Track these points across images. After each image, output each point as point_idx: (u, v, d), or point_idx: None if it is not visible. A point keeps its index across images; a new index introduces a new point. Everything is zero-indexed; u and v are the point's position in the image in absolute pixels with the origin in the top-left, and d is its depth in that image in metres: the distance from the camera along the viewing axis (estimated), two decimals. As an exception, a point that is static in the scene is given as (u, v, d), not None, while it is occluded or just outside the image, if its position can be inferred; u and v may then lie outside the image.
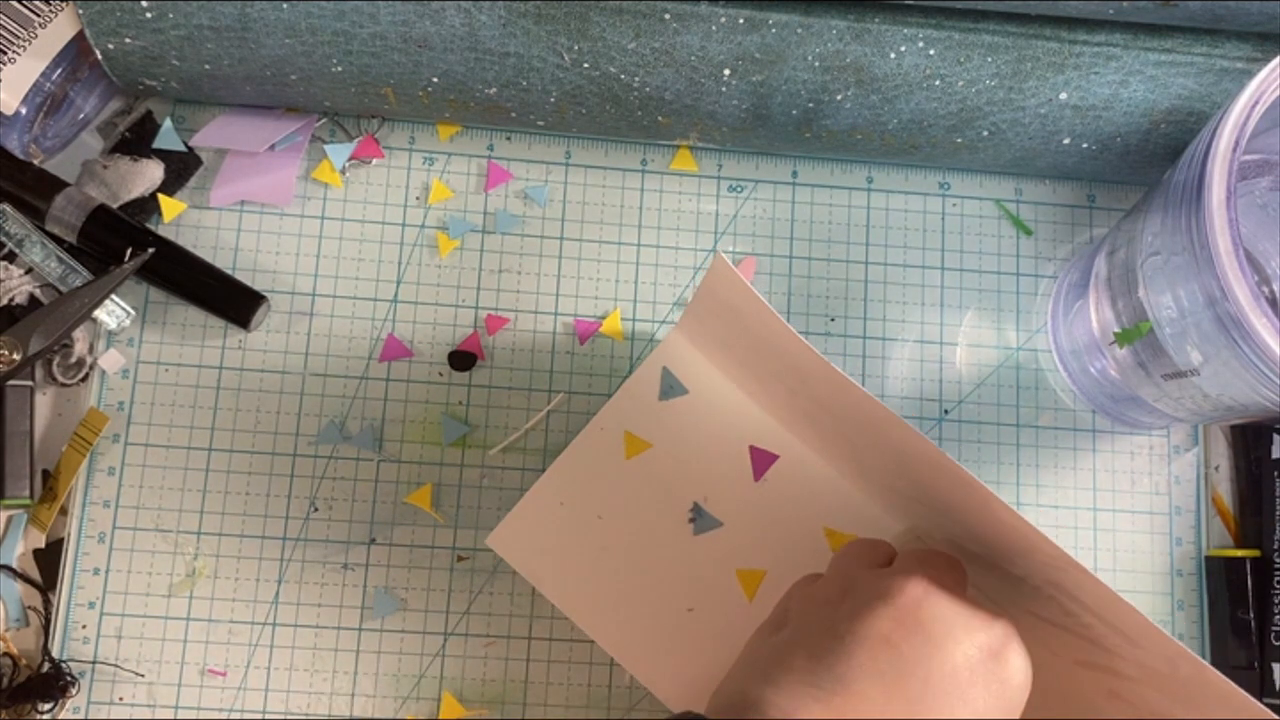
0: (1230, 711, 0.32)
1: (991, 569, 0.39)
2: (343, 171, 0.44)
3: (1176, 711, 0.35)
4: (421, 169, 0.45)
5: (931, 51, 0.39)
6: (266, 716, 0.41)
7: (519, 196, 0.45)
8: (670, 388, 0.42)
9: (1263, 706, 0.31)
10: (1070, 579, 0.33)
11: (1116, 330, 0.38)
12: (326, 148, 0.44)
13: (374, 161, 0.44)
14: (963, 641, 0.31)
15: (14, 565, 0.41)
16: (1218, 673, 0.31)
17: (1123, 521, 0.44)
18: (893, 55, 0.39)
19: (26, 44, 0.39)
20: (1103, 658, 0.37)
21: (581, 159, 0.45)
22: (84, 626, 0.41)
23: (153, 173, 0.43)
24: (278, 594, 0.41)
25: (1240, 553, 0.43)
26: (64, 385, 0.42)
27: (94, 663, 0.40)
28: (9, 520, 0.41)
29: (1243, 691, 0.31)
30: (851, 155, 0.44)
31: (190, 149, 0.44)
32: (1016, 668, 0.32)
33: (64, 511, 0.41)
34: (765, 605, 0.41)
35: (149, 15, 0.38)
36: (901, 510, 0.40)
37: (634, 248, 0.45)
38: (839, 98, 0.40)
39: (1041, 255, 0.46)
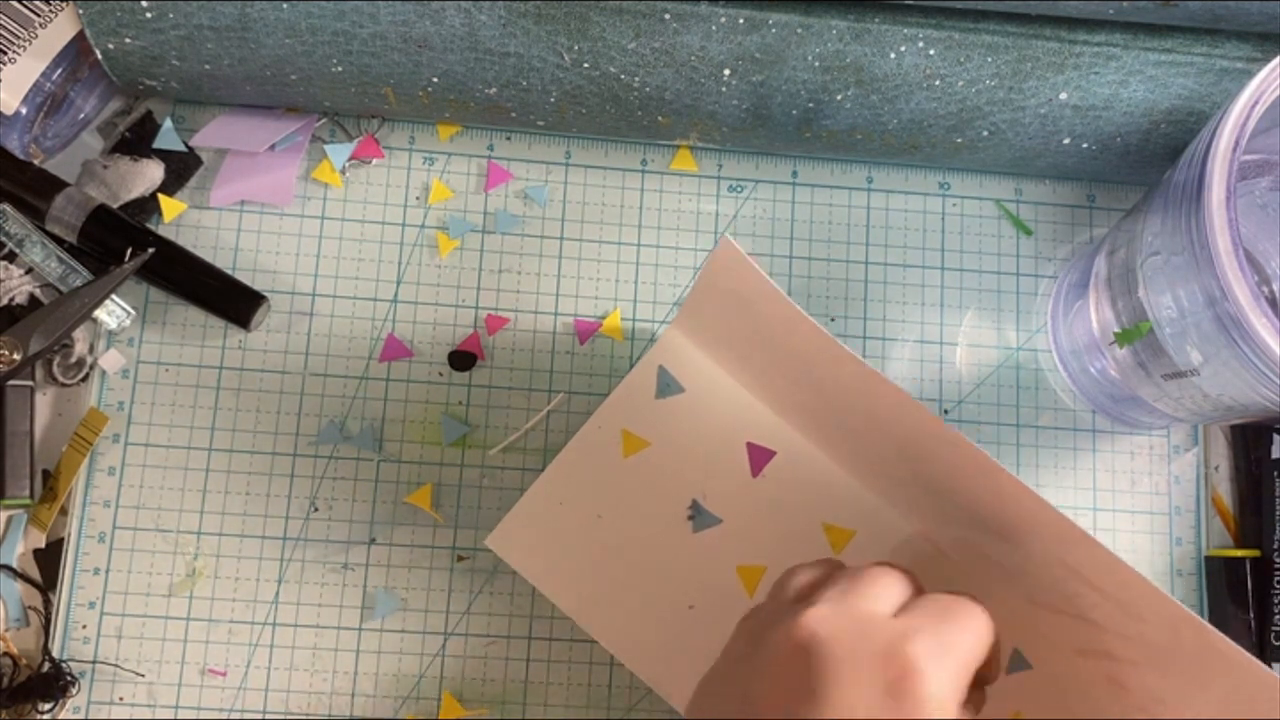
0: (1234, 674, 0.32)
1: (989, 558, 0.39)
2: (343, 171, 0.44)
3: (1178, 690, 0.35)
4: (421, 169, 0.45)
5: (931, 51, 0.39)
6: (266, 716, 0.41)
7: (519, 196, 0.45)
8: (666, 386, 0.42)
9: (1263, 665, 0.31)
10: (1073, 550, 0.33)
11: (1116, 330, 0.39)
12: (326, 148, 0.44)
13: (374, 161, 0.44)
14: (849, 683, 0.27)
15: (14, 565, 0.41)
16: (1220, 634, 0.31)
17: (1123, 521, 0.44)
18: (893, 55, 0.39)
19: (26, 44, 0.39)
20: (1104, 642, 0.37)
21: (581, 159, 0.45)
22: (84, 626, 0.41)
23: (153, 173, 0.43)
24: (278, 594, 0.41)
25: (1240, 553, 0.43)
26: (64, 385, 0.42)
27: (94, 663, 0.40)
28: (9, 520, 0.41)
29: (1245, 651, 0.31)
30: (851, 155, 0.44)
31: (190, 149, 0.44)
32: (925, 693, 0.27)
33: (64, 511, 0.41)
34: (765, 605, 0.41)
35: (149, 15, 0.38)
36: (902, 499, 0.41)
37: (634, 248, 0.45)
38: (839, 98, 0.40)
39: (1041, 255, 0.46)
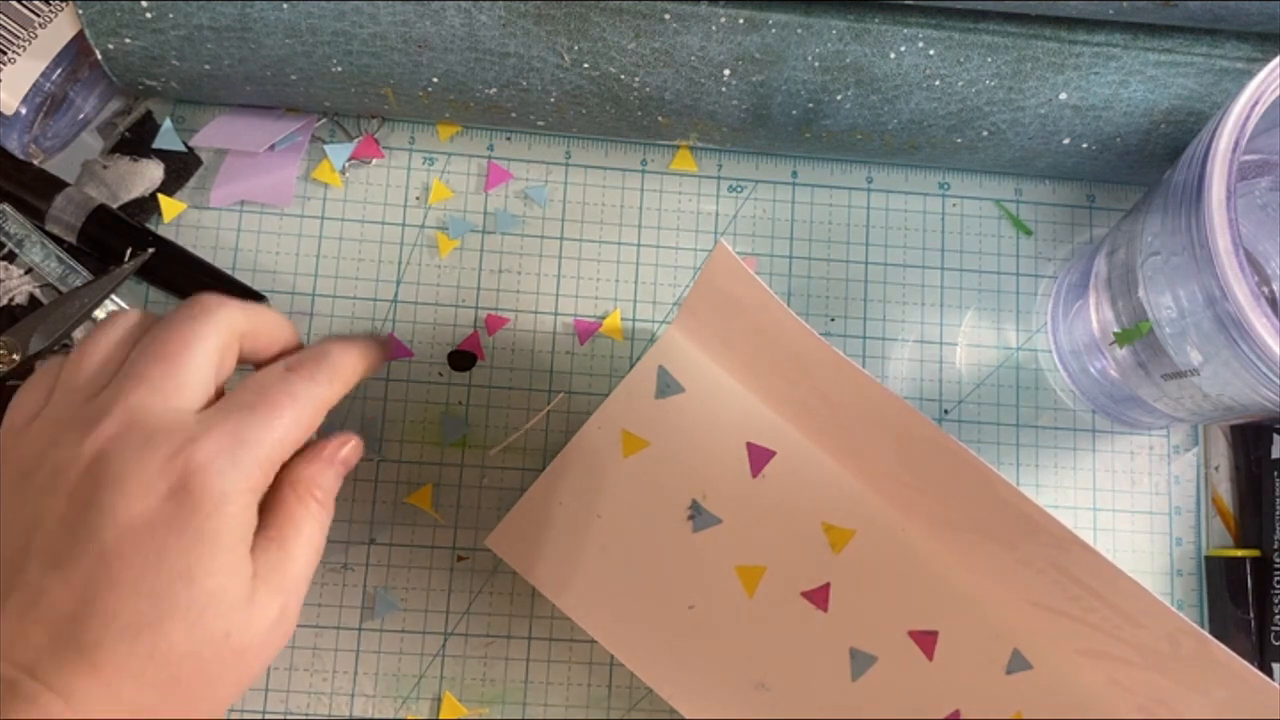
0: (1233, 684, 0.32)
1: (989, 555, 0.39)
2: (343, 171, 0.44)
3: (1179, 692, 0.35)
4: (421, 169, 0.45)
5: (931, 51, 0.39)
6: (266, 716, 0.41)
7: (519, 196, 0.45)
8: (666, 386, 0.42)
9: (1263, 675, 0.31)
10: (1073, 557, 0.33)
11: (1116, 330, 0.39)
12: (326, 148, 0.44)
13: (374, 162, 0.44)
14: (133, 495, 0.27)
15: (14, 565, 0.41)
16: (1220, 644, 0.31)
17: (1123, 521, 0.44)
18: (893, 55, 0.39)
19: (26, 44, 0.39)
20: (1104, 644, 0.37)
21: (581, 159, 0.45)
22: (84, 626, 0.40)
23: (153, 173, 0.43)
24: (278, 594, 0.41)
25: (1240, 553, 0.43)
26: (64, 385, 0.42)
27: (94, 662, 0.40)
28: (9, 520, 0.41)
29: (1245, 662, 0.31)
30: (851, 155, 0.44)
31: (190, 149, 0.44)
32: (207, 491, 0.28)
33: (64, 511, 0.41)
34: (765, 601, 0.41)
35: (149, 15, 0.38)
36: (902, 500, 0.41)
37: (634, 248, 0.45)
38: (839, 98, 0.40)
39: (1041, 255, 0.46)
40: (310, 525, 0.31)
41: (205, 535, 0.27)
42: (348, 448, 0.33)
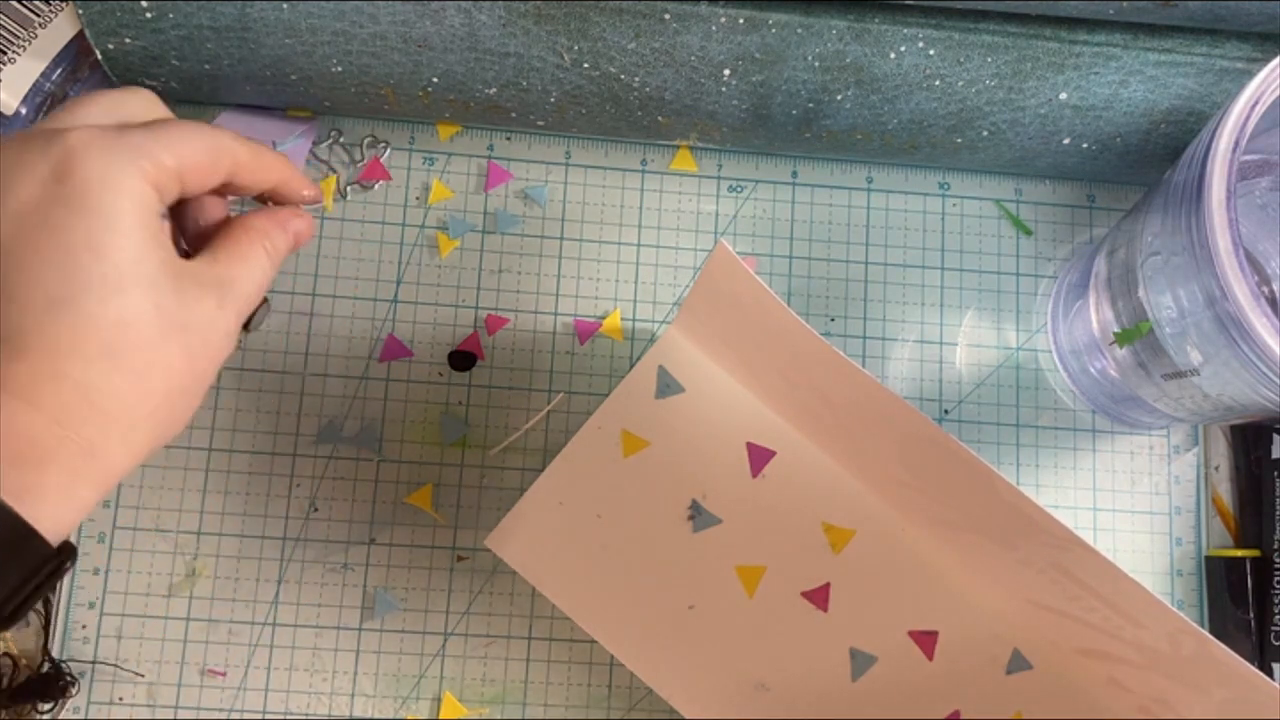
0: (1234, 684, 0.32)
1: (989, 555, 0.39)
2: (344, 195, 0.44)
3: (1179, 692, 0.35)
4: (421, 169, 0.45)
5: (931, 51, 0.39)
6: (266, 716, 0.41)
7: (519, 196, 0.45)
8: (666, 386, 0.42)
9: (1263, 675, 0.31)
10: (1073, 557, 0.33)
11: (1116, 330, 0.39)
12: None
13: (377, 185, 0.44)
14: (18, 182, 0.28)
15: (14, 565, 0.41)
16: (1220, 644, 0.31)
17: (1123, 521, 0.44)
18: (893, 55, 0.39)
19: (26, 44, 0.39)
20: (1104, 644, 0.37)
21: (581, 159, 0.45)
22: (84, 626, 0.41)
23: (153, 173, 0.43)
24: (277, 594, 0.41)
25: (1240, 553, 0.43)
26: (64, 385, 0.42)
27: (94, 663, 0.40)
28: (9, 520, 0.41)
29: (1245, 662, 0.31)
30: (851, 155, 0.44)
31: (190, 149, 0.44)
32: (88, 171, 0.28)
33: (64, 511, 0.41)
34: (765, 601, 0.41)
35: (149, 15, 0.38)
36: (901, 501, 0.41)
37: (634, 248, 0.45)
38: (839, 98, 0.40)
39: (1041, 255, 0.46)
40: (254, 259, 0.33)
41: (101, 211, 0.28)
42: (301, 220, 0.35)
